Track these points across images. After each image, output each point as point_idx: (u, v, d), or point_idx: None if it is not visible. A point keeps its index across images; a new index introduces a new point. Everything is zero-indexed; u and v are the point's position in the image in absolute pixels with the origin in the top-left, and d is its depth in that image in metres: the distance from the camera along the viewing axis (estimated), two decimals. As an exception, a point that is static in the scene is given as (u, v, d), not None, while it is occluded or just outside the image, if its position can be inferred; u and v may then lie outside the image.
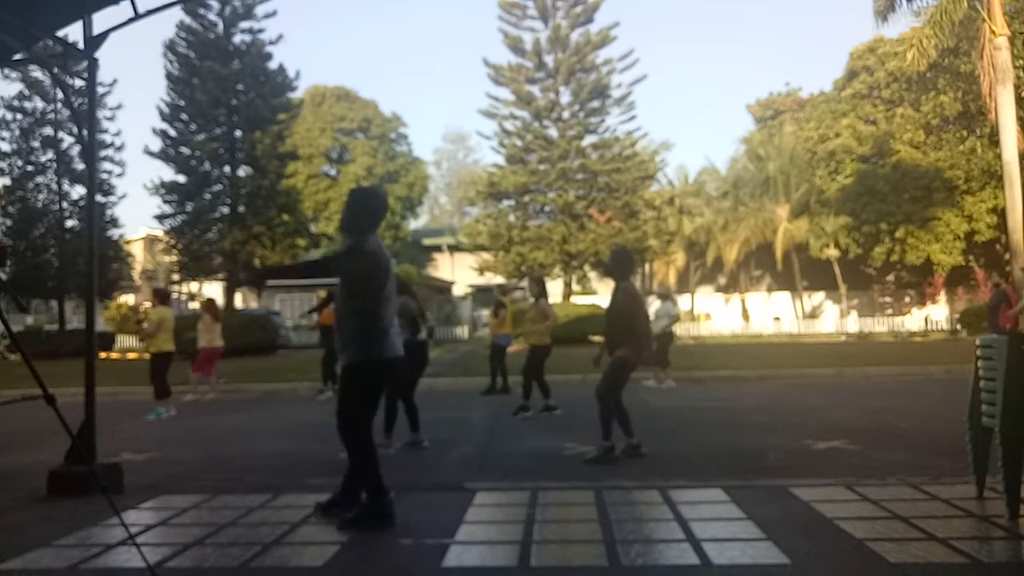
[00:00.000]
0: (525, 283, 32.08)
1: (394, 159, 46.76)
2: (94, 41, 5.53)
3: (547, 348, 9.40)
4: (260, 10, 28.42)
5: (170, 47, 28.13)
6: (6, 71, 23.03)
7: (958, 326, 26.22)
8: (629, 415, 6.17)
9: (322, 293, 13.41)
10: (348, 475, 4.37)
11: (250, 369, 15.73)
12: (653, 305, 12.30)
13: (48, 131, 29.73)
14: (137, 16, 5.60)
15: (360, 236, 4.30)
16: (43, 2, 5.27)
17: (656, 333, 12.13)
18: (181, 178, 28.49)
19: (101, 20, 5.59)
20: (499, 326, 11.84)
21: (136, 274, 38.73)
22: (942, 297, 32.93)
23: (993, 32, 17.56)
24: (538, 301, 9.43)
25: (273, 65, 29.17)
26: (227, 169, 28.88)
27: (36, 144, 29.88)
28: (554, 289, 27.97)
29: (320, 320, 13.12)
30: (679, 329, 29.85)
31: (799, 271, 35.66)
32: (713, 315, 36.81)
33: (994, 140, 23.91)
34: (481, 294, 36.93)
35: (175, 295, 39.01)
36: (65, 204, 29.42)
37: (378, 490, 4.18)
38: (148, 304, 15.40)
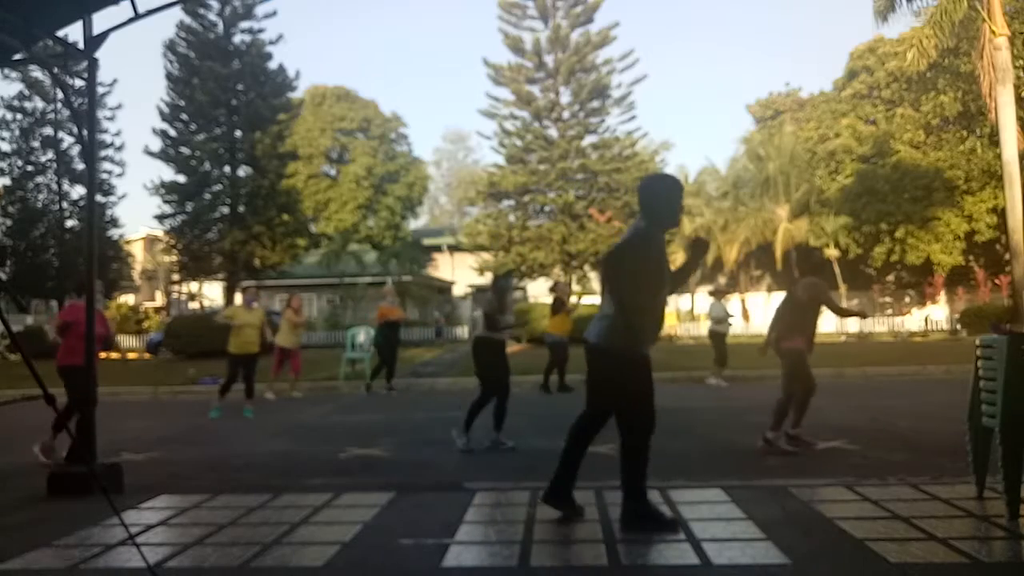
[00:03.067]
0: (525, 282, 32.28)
1: (394, 159, 46.71)
2: (94, 41, 5.52)
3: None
4: (260, 10, 28.41)
5: (170, 47, 28.11)
6: (6, 71, 23.02)
7: (958, 326, 26.18)
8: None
9: (390, 286, 13.42)
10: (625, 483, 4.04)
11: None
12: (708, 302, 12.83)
13: (48, 131, 29.78)
14: (137, 16, 5.59)
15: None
16: (43, 2, 5.26)
17: (722, 332, 12.52)
18: (181, 178, 28.47)
19: (101, 20, 5.59)
20: (559, 324, 12.17)
21: (136, 274, 38.77)
22: (942, 297, 32.89)
23: (993, 32, 17.55)
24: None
25: (273, 65, 29.16)
26: (227, 169, 28.87)
27: (36, 144, 29.94)
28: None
29: (384, 318, 13.06)
30: (679, 329, 30.00)
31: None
32: None
33: (994, 140, 23.90)
34: (481, 294, 36.89)
35: (175, 295, 39.04)
36: (65, 204, 29.45)
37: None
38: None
